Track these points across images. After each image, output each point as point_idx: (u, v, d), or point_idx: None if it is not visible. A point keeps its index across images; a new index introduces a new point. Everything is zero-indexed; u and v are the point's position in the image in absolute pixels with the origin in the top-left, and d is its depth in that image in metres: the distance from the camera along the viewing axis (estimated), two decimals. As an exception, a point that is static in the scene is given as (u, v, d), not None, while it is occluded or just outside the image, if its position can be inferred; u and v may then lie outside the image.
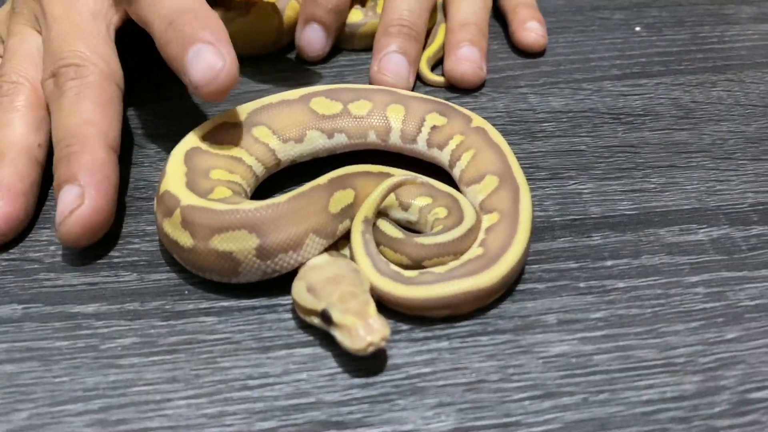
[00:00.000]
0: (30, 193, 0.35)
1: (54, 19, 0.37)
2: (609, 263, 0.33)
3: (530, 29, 0.47)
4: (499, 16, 0.52)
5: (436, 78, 0.45)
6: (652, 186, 0.37)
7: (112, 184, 0.34)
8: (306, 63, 0.47)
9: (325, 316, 0.28)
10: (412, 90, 0.44)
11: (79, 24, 0.37)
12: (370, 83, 0.44)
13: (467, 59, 0.44)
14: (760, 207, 0.36)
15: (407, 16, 0.44)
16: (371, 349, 0.27)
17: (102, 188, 0.33)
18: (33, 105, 0.37)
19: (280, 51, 0.48)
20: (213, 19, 0.34)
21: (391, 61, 0.43)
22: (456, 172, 0.36)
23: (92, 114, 0.35)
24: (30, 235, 0.35)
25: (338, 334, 0.28)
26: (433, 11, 0.48)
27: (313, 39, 0.45)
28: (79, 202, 0.32)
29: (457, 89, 0.44)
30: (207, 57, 0.33)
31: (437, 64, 0.47)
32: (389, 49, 0.44)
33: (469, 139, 0.36)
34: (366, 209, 0.32)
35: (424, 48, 0.47)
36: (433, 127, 0.37)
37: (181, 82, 0.46)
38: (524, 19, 0.48)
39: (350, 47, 0.48)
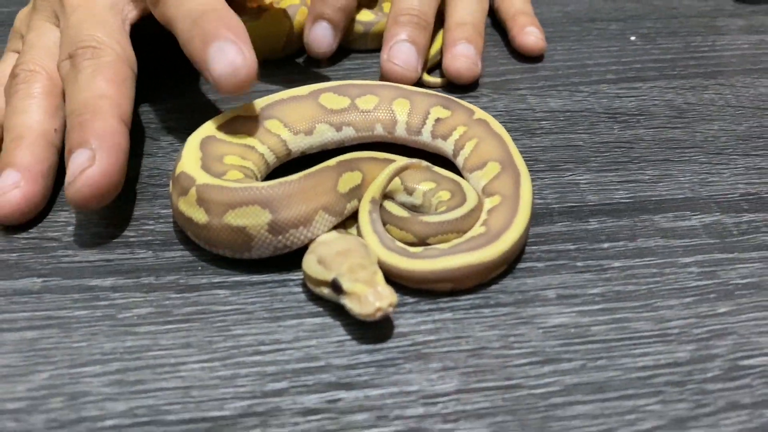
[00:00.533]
0: (48, 175, 0.37)
1: (72, 9, 0.39)
2: (606, 245, 0.34)
3: (530, 33, 0.49)
4: (498, 25, 0.54)
5: (434, 80, 0.46)
6: (647, 177, 0.39)
7: (122, 150, 0.34)
8: (313, 66, 0.49)
9: (335, 285, 0.30)
10: (420, 81, 0.46)
11: (97, 14, 0.39)
12: (381, 71, 0.45)
13: (463, 55, 0.46)
14: (750, 196, 0.37)
15: (417, 6, 0.46)
16: (379, 314, 0.28)
17: (113, 153, 0.34)
18: (49, 92, 0.39)
19: (290, 55, 0.50)
20: (235, 19, 0.36)
21: (401, 50, 0.45)
22: (460, 161, 0.37)
23: (106, 89, 0.36)
24: (48, 216, 0.37)
25: (348, 302, 0.29)
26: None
27: (321, 36, 0.47)
28: (90, 163, 0.33)
29: (457, 89, 0.46)
30: (229, 53, 0.35)
31: (436, 67, 0.49)
32: (399, 37, 0.45)
33: (471, 130, 0.38)
34: (373, 190, 0.34)
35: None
36: (437, 120, 0.39)
37: (192, 80, 0.48)
38: (524, 24, 0.50)
39: (363, 47, 0.50)
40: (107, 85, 0.36)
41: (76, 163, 0.34)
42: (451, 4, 0.49)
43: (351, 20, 0.49)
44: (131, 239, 0.35)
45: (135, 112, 0.45)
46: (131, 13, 0.41)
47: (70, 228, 0.36)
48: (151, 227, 0.36)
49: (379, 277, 0.30)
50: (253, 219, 0.32)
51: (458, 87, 0.46)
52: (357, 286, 0.29)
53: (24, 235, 0.35)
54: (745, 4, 0.57)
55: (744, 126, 0.43)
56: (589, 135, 0.42)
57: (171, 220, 0.36)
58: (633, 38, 0.53)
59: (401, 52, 0.45)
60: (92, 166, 0.33)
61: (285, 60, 0.50)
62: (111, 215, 0.37)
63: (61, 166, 0.39)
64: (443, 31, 0.49)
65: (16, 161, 0.36)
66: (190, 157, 0.35)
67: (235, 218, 0.32)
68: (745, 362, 0.29)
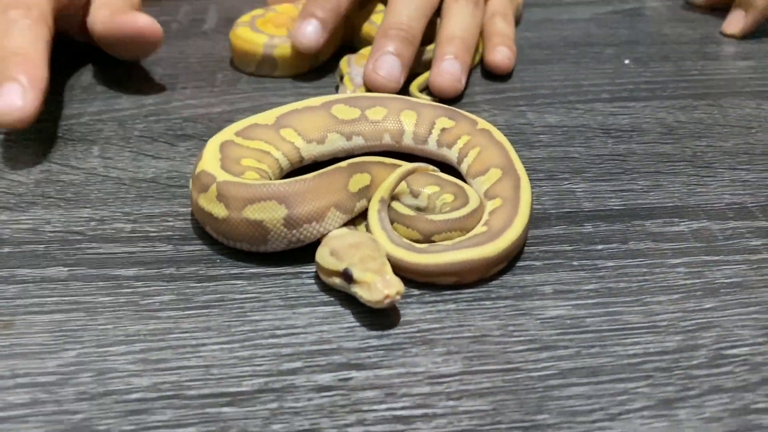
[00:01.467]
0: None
1: None
2: (599, 247, 0.37)
3: (499, 51, 0.52)
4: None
5: (424, 97, 0.49)
6: (639, 187, 0.41)
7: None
8: (323, 85, 0.51)
9: (346, 274, 0.32)
10: (403, 93, 0.48)
11: None
12: (364, 80, 0.48)
13: (447, 72, 0.48)
14: (736, 206, 0.40)
15: (406, 21, 0.49)
16: (387, 301, 0.31)
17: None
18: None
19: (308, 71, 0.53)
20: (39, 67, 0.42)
21: (386, 61, 0.47)
22: (463, 167, 0.40)
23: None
24: (72, 212, 0.39)
25: (358, 290, 0.31)
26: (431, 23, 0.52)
27: (308, 33, 0.50)
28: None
29: (458, 105, 0.49)
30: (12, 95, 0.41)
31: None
32: (385, 50, 0.48)
33: (475, 139, 0.40)
34: (382, 191, 0.36)
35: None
36: (443, 129, 0.41)
37: (207, 91, 0.50)
38: (496, 44, 0.52)
39: None
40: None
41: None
42: (444, 18, 0.52)
43: (342, 21, 0.52)
44: (152, 234, 0.37)
45: (157, 116, 0.47)
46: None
47: (93, 223, 0.38)
48: (171, 223, 0.38)
49: (388, 267, 0.32)
50: (270, 213, 0.34)
51: (460, 103, 0.49)
52: (367, 275, 0.31)
53: (49, 228, 0.37)
54: (733, 38, 0.59)
55: (731, 143, 0.45)
56: (584, 148, 0.45)
57: (190, 217, 0.38)
58: (627, 62, 0.55)
59: (386, 63, 0.47)
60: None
61: (298, 76, 0.52)
62: (132, 212, 0.39)
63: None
64: (435, 44, 0.51)
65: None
66: (210, 158, 0.37)
67: (253, 212, 0.34)
68: (729, 351, 0.31)
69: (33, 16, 0.44)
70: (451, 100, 0.49)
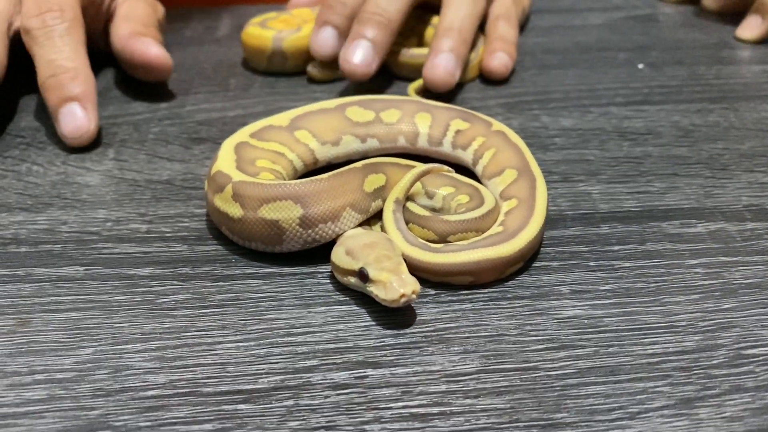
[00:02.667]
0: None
1: None
2: (616, 248, 0.36)
3: (496, 57, 0.52)
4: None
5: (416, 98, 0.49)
6: (655, 189, 0.41)
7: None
8: (336, 89, 0.52)
9: (362, 273, 0.32)
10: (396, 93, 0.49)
11: None
12: (341, 67, 0.48)
13: (441, 66, 0.48)
14: (754, 207, 0.39)
15: (383, 4, 0.48)
16: (403, 300, 0.30)
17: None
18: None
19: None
20: (90, 80, 0.44)
21: (359, 46, 0.48)
22: (479, 169, 0.40)
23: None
24: (87, 213, 0.39)
25: (374, 289, 0.31)
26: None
27: (324, 40, 0.50)
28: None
29: (433, 91, 0.49)
30: (77, 116, 0.43)
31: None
32: (358, 34, 0.48)
33: (490, 140, 0.40)
34: (397, 191, 0.36)
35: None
36: (457, 131, 0.41)
37: (221, 95, 0.51)
38: (495, 49, 0.52)
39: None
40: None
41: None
42: (443, 8, 0.51)
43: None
44: (167, 234, 0.37)
45: (172, 120, 0.47)
46: (17, 23, 0.46)
47: (109, 224, 0.38)
48: (186, 224, 0.38)
49: (403, 266, 0.32)
50: (285, 213, 0.34)
51: (473, 107, 0.49)
52: (383, 274, 0.31)
53: (65, 228, 0.38)
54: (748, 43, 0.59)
55: (747, 145, 0.45)
56: (600, 151, 0.45)
57: (205, 218, 0.38)
58: (641, 66, 0.55)
59: (358, 49, 0.48)
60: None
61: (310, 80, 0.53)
62: (148, 213, 0.39)
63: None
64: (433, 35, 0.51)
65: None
66: (225, 159, 0.37)
67: (269, 212, 0.34)
68: (749, 351, 0.30)
69: (68, 17, 0.44)
70: (464, 104, 0.49)
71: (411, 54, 0.52)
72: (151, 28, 0.50)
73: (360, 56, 0.48)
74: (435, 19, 0.54)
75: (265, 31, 0.53)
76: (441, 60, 0.49)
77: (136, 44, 0.48)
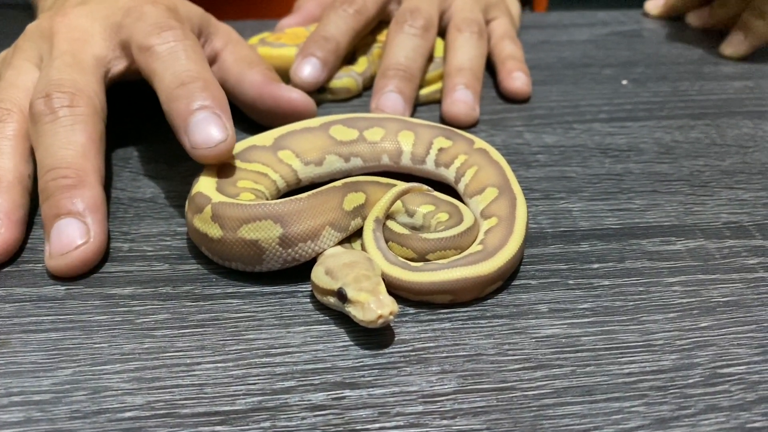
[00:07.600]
0: (24, 221, 0.38)
1: (60, 53, 0.40)
2: (596, 266, 0.37)
3: (516, 78, 0.52)
4: (490, 68, 0.57)
5: None
6: (636, 206, 0.41)
7: (106, 219, 0.37)
8: (327, 107, 0.52)
9: (340, 294, 0.32)
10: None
11: (82, 60, 0.40)
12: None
13: (461, 101, 0.49)
14: (733, 225, 0.40)
15: (404, 61, 0.50)
16: (381, 321, 0.31)
17: (103, 226, 0.36)
18: (24, 135, 0.39)
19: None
20: (221, 91, 0.38)
21: (389, 98, 0.48)
22: (461, 187, 0.40)
23: (88, 149, 0.37)
24: (71, 232, 0.39)
25: (352, 309, 0.31)
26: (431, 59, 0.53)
27: (307, 71, 0.50)
28: (86, 238, 0.35)
29: (455, 126, 0.49)
30: (211, 126, 0.36)
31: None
32: (386, 89, 0.49)
33: (472, 158, 0.40)
34: (377, 210, 0.36)
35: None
36: (440, 149, 0.42)
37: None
38: (511, 69, 0.53)
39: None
40: (88, 143, 0.37)
41: (69, 234, 0.35)
42: (451, 50, 0.52)
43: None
44: (149, 253, 0.37)
45: (157, 137, 0.47)
46: (116, 68, 0.42)
47: (91, 243, 0.38)
48: (168, 243, 0.38)
49: (382, 287, 0.32)
50: (265, 233, 0.34)
51: (454, 126, 0.49)
52: (361, 295, 0.31)
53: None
54: (731, 60, 0.60)
55: (727, 162, 0.45)
56: (581, 168, 0.45)
57: (187, 236, 0.39)
58: (624, 82, 0.56)
59: (388, 100, 0.48)
60: (89, 242, 0.35)
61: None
62: (130, 232, 0.39)
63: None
64: (443, 76, 0.52)
65: None
66: (206, 180, 0.37)
67: (248, 232, 0.34)
68: (725, 370, 0.31)
69: (190, 36, 0.41)
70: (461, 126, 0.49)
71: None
72: (274, 71, 0.48)
73: (390, 107, 0.48)
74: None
75: (282, 49, 0.53)
76: (459, 95, 0.49)
77: (277, 91, 0.45)
